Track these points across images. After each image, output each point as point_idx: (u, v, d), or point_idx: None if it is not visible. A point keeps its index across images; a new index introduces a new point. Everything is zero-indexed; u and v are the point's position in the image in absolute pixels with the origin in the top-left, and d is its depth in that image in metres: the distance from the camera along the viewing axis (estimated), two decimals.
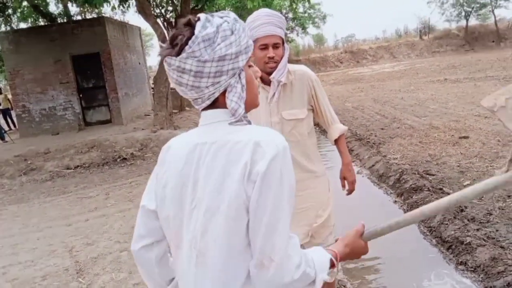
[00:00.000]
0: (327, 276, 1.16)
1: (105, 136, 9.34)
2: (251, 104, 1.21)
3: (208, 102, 1.15)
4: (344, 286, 3.26)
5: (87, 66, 11.74)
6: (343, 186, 2.48)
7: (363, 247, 1.33)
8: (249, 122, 1.16)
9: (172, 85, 1.18)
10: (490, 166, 5.40)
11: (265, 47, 2.20)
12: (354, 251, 1.30)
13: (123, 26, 13.69)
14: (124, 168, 8.13)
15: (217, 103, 1.15)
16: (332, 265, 1.19)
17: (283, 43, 2.26)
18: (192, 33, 1.08)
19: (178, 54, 1.08)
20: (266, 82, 2.31)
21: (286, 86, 2.28)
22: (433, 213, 1.31)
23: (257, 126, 1.15)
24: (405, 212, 4.54)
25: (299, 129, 2.28)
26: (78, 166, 8.49)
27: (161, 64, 9.88)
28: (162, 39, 9.68)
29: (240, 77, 1.14)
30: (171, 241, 1.21)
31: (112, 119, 11.73)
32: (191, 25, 1.09)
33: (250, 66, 1.21)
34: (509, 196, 4.41)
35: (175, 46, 1.09)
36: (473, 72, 16.39)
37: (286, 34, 2.33)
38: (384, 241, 4.06)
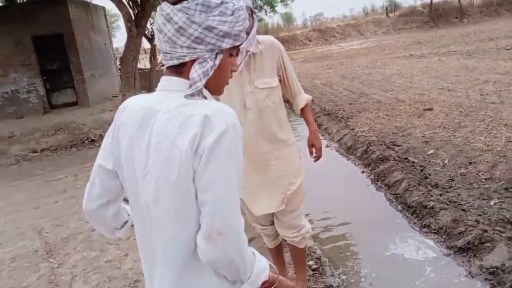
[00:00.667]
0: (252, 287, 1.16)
1: (72, 119, 9.14)
2: (214, 87, 1.21)
3: (175, 62, 1.14)
4: (314, 252, 3.35)
5: (50, 48, 11.35)
6: (311, 153, 2.53)
7: None
8: (205, 98, 1.15)
9: (154, 28, 1.17)
10: (453, 135, 5.60)
11: None
12: None
13: (86, 6, 13.25)
14: (93, 149, 7.99)
15: (182, 70, 1.15)
16: (265, 284, 1.19)
17: (251, 14, 2.25)
18: None
19: (174, 3, 1.09)
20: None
21: (257, 55, 2.26)
22: None
23: (211, 101, 1.15)
24: (372, 182, 4.67)
25: (272, 97, 2.28)
26: (44, 149, 8.30)
27: (127, 44, 9.66)
28: (127, 18, 9.45)
29: (216, 57, 1.14)
30: (131, 200, 1.22)
31: (78, 101, 11.44)
32: None
33: (231, 55, 1.21)
34: (470, 163, 4.60)
35: None
36: (437, 47, 16.72)
37: (253, 6, 2.29)
38: (352, 208, 4.20)
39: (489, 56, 12.06)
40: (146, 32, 13.48)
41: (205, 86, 1.16)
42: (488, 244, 2.94)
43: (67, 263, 3.72)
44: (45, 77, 11.55)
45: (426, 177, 4.37)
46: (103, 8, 15.45)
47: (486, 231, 3.08)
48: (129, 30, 9.41)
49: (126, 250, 3.80)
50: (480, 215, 3.46)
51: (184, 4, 1.08)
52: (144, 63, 18.56)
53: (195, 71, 1.12)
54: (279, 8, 34.30)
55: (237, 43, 1.16)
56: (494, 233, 3.09)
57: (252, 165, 2.29)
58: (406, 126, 6.34)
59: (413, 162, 4.81)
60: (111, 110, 9.89)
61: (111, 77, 14.35)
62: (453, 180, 4.26)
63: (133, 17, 9.72)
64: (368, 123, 6.86)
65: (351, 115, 7.60)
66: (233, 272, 1.10)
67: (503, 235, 3.09)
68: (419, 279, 2.94)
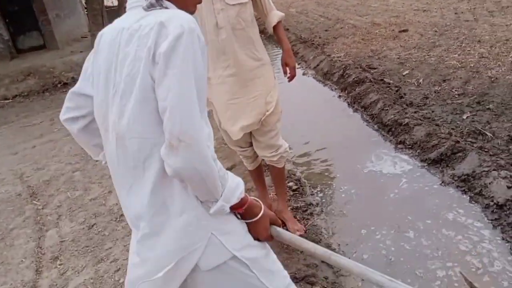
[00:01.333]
0: (226, 204, 1.12)
1: (41, 62, 8.80)
2: (181, 2, 1.19)
3: None
4: (294, 174, 3.43)
5: None
6: (285, 72, 2.51)
7: (266, 228, 1.26)
8: (165, 8, 1.14)
9: None
10: (427, 55, 5.61)
11: None
12: (259, 220, 1.23)
13: None
14: (66, 93, 7.76)
15: None
16: (239, 204, 1.16)
17: None
18: None
19: None
20: None
21: None
22: (323, 258, 1.27)
23: (169, 9, 1.13)
24: (348, 105, 4.72)
25: (243, 15, 2.19)
26: (16, 95, 8.05)
27: None
28: None
29: None
30: (101, 125, 1.22)
31: (46, 44, 10.94)
32: None
33: None
34: (444, 81, 4.65)
35: None
36: None
37: None
38: (330, 131, 4.27)
39: None
40: None
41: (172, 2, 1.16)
42: (460, 154, 3.06)
43: (52, 204, 3.75)
44: (7, 20, 10.95)
45: (401, 97, 4.42)
46: None
47: (458, 142, 3.18)
48: None
49: (110, 188, 3.83)
50: (453, 128, 3.56)
51: None
52: (111, 0, 17.69)
53: None
54: None
55: None
56: (466, 144, 3.20)
57: (240, 82, 2.26)
58: (382, 49, 6.31)
59: (389, 83, 4.84)
60: (81, 51, 9.54)
61: (78, 16, 13.68)
62: (427, 98, 4.32)
63: None
64: (344, 48, 6.79)
65: (327, 41, 7.50)
66: (202, 186, 1.07)
67: (474, 145, 3.21)
68: (394, 191, 3.06)
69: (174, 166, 1.03)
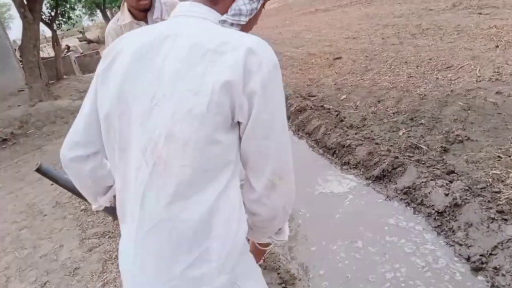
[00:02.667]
0: (275, 239, 1.18)
1: None
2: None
3: None
4: None
5: None
6: None
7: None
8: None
9: None
10: (361, 79, 5.94)
11: None
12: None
13: None
14: (6, 149, 7.50)
15: (214, 2, 1.02)
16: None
17: None
18: None
19: None
20: (139, 18, 2.24)
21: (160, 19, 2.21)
22: None
23: (241, 32, 0.99)
24: (294, 133, 4.88)
25: None
26: None
27: (24, 32, 8.99)
28: (19, 3, 8.76)
29: (260, 0, 1.06)
30: (114, 144, 1.02)
31: None
32: None
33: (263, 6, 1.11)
34: (379, 101, 4.94)
35: None
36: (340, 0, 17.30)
37: None
38: None
39: (387, 2, 12.71)
40: (43, 16, 12.57)
41: None
42: (400, 169, 3.25)
43: None
44: None
45: (341, 120, 4.65)
46: None
47: (397, 157, 3.39)
48: (23, 16, 8.75)
49: (61, 242, 3.70)
50: (391, 145, 3.78)
51: None
52: (47, 51, 17.36)
53: (244, 4, 1.01)
54: None
55: None
56: (404, 158, 3.41)
57: None
58: (319, 77, 6.62)
59: (329, 109, 5.08)
60: (19, 105, 9.26)
61: (12, 70, 13.29)
62: (365, 119, 4.57)
63: (25, 2, 9.02)
64: (284, 79, 6.99)
65: None
66: (280, 222, 1.07)
67: (412, 158, 3.42)
68: (344, 209, 3.20)
69: (274, 204, 1.00)
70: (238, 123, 0.94)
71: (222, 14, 1.02)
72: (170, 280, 0.94)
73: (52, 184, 5.09)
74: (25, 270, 3.41)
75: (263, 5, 1.09)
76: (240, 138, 0.96)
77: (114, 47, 1.04)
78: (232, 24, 1.01)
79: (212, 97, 0.88)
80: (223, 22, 1.01)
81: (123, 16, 2.29)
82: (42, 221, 4.17)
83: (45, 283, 3.15)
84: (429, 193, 2.86)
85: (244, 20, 1.02)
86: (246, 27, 1.07)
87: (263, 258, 1.39)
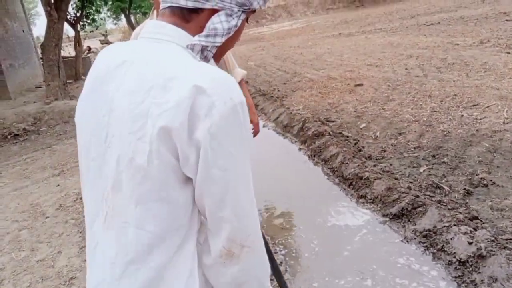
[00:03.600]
0: None
1: None
2: (219, 52, 0.95)
3: (189, 4, 0.85)
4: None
5: None
6: None
7: None
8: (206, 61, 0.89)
9: None
10: (382, 109, 5.80)
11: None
12: None
13: None
14: (17, 145, 7.45)
15: (192, 17, 0.87)
16: None
17: None
18: None
19: None
20: None
21: None
22: None
23: (207, 65, 0.83)
24: (309, 158, 4.74)
25: None
26: None
27: (48, 30, 9.05)
28: (46, 2, 8.83)
29: (241, 16, 0.91)
30: (81, 172, 0.93)
31: None
32: None
33: (246, 20, 0.98)
34: (399, 134, 4.79)
35: None
36: (364, 26, 17.28)
37: None
38: (291, 185, 4.24)
39: (411, 32, 12.63)
40: (68, 17, 12.70)
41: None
42: (420, 209, 3.08)
43: None
44: None
45: (360, 150, 4.49)
46: None
47: (417, 196, 3.22)
48: (49, 15, 8.81)
49: (60, 247, 3.59)
50: (411, 182, 3.61)
51: None
52: (68, 50, 17.55)
53: (220, 23, 0.86)
54: None
55: (260, 6, 0.95)
56: (425, 198, 3.24)
57: None
58: (339, 102, 6.48)
59: (347, 136, 4.93)
60: (34, 102, 9.26)
61: (33, 66, 13.43)
62: (385, 151, 4.41)
63: (52, 1, 9.09)
64: (302, 101, 6.94)
65: (286, 94, 7.66)
66: None
67: (433, 199, 3.25)
68: (358, 246, 3.02)
69: (234, 276, 0.83)
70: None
71: (194, 34, 0.88)
72: None
73: (58, 185, 5.00)
74: (20, 274, 3.29)
75: (245, 20, 0.95)
76: None
77: (93, 65, 0.95)
78: (204, 48, 0.87)
79: (151, 146, 0.75)
80: (192, 46, 0.86)
81: None
82: (43, 224, 4.06)
83: None
84: (451, 239, 2.68)
85: (219, 41, 0.87)
86: (222, 48, 0.94)
87: None
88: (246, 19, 0.96)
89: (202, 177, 0.77)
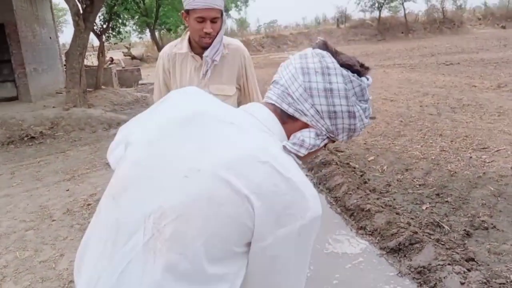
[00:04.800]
0: None
1: (11, 114, 8.69)
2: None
3: (290, 111, 0.98)
4: None
5: None
6: None
7: None
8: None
9: (296, 64, 0.99)
10: (392, 143, 5.85)
11: (202, 20, 2.01)
12: None
13: None
14: (32, 147, 7.65)
15: (287, 120, 0.99)
16: None
17: (221, 15, 2.10)
18: (366, 78, 1.01)
19: (342, 64, 0.97)
20: (196, 51, 2.21)
21: (218, 63, 2.18)
22: None
23: (296, 165, 0.93)
24: (314, 185, 4.80)
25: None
26: None
27: (74, 39, 9.36)
28: (75, 11, 9.16)
29: (325, 139, 1.00)
30: (110, 186, 0.97)
31: (19, 96, 10.89)
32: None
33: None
34: (406, 170, 4.83)
35: (363, 67, 1.01)
36: (383, 60, 17.44)
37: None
38: None
39: (430, 70, 12.73)
40: (95, 27, 13.11)
41: None
42: (417, 245, 3.11)
43: None
44: None
45: (365, 182, 4.54)
46: (49, 0, 14.87)
47: (416, 232, 3.25)
48: (76, 24, 9.13)
49: (62, 250, 3.68)
50: (412, 218, 3.64)
51: (351, 74, 0.96)
52: (91, 59, 18.00)
53: (309, 138, 0.97)
54: (233, 13, 34.60)
55: (343, 140, 1.05)
56: (423, 235, 3.26)
57: None
58: None
59: (354, 168, 4.99)
60: (53, 107, 9.52)
61: (56, 72, 13.81)
62: (390, 185, 4.45)
63: (81, 11, 9.43)
64: None
65: None
66: None
67: (432, 237, 3.28)
68: (353, 277, 3.06)
69: None
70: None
71: (287, 136, 0.99)
72: None
73: (67, 190, 5.13)
74: (22, 273, 3.38)
75: (325, 145, 1.05)
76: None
77: (177, 94, 1.05)
78: (289, 152, 0.95)
79: (242, 203, 0.82)
80: (288, 146, 0.95)
81: (181, 44, 2.28)
82: (49, 226, 4.17)
83: None
84: (444, 277, 2.70)
85: (303, 152, 0.97)
86: (302, 157, 1.01)
87: None
88: (325, 145, 1.05)
89: (275, 258, 0.86)
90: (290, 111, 0.98)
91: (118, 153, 1.05)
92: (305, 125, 0.99)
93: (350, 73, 0.96)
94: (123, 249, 0.85)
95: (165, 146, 0.91)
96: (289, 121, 0.99)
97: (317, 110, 0.96)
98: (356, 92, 0.96)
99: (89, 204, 4.63)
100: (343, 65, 0.97)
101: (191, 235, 0.81)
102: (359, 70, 0.98)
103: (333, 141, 1.05)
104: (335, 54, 0.99)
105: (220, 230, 0.82)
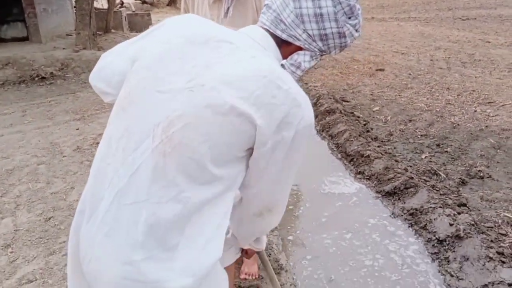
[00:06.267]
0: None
1: (22, 54, 8.71)
2: None
3: (283, 36, 1.04)
4: None
5: None
6: None
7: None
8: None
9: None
10: (399, 95, 5.86)
11: None
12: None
13: None
14: (43, 87, 7.74)
15: (282, 45, 1.06)
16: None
17: None
18: None
19: None
20: None
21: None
22: None
23: (292, 80, 1.00)
24: (317, 132, 4.88)
25: None
26: None
27: None
28: None
29: (319, 58, 1.09)
30: (119, 99, 1.04)
31: (29, 36, 10.84)
32: None
33: None
34: (410, 121, 4.88)
35: None
36: (399, 12, 16.98)
37: None
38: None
39: (445, 25, 12.42)
40: None
41: None
42: (412, 189, 3.22)
43: (11, 193, 3.73)
44: None
45: (367, 131, 4.61)
46: None
47: (412, 178, 3.36)
48: None
49: (73, 184, 3.84)
50: (410, 166, 3.74)
51: None
52: (101, 2, 17.73)
53: (304, 60, 1.05)
54: None
55: (336, 53, 1.12)
56: (419, 181, 3.37)
57: None
58: (357, 84, 6.56)
59: (358, 117, 5.04)
60: (64, 48, 9.51)
61: (66, 13, 13.64)
62: (391, 135, 4.52)
63: None
64: (321, 79, 7.03)
65: (307, 70, 7.73)
66: (257, 237, 1.34)
67: (427, 183, 3.38)
68: (347, 217, 3.21)
69: (258, 229, 1.16)
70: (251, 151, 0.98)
71: (282, 57, 1.07)
72: (127, 264, 0.91)
73: (77, 129, 5.27)
74: (34, 202, 3.56)
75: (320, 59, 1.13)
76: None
77: (169, 21, 1.09)
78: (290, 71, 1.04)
79: (246, 111, 0.90)
80: (285, 65, 1.04)
81: None
82: (60, 161, 4.32)
83: (49, 218, 3.29)
84: (434, 219, 2.83)
85: (299, 74, 1.06)
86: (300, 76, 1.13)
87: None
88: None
89: (273, 158, 0.96)
90: (284, 36, 1.04)
91: (118, 68, 1.10)
92: (299, 48, 1.06)
93: None
94: (133, 154, 0.93)
95: (171, 62, 0.98)
96: (283, 45, 1.06)
97: (309, 34, 1.02)
98: (346, 11, 1.01)
99: (97, 143, 4.76)
100: None
101: (198, 141, 0.90)
102: None
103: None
104: None
105: (224, 136, 0.91)
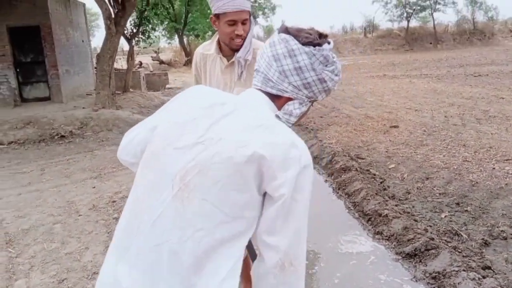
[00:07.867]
0: None
1: (43, 113, 9.03)
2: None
3: (273, 91, 1.19)
4: None
5: (26, 40, 11.20)
6: None
7: None
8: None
9: (269, 55, 1.19)
10: (414, 152, 5.84)
11: (233, 23, 2.08)
12: None
13: (66, 0, 13.17)
14: (62, 145, 7.93)
15: (273, 99, 1.21)
16: None
17: (249, 16, 2.16)
18: (327, 43, 1.18)
19: (304, 44, 1.15)
20: (225, 54, 2.26)
21: (251, 62, 2.21)
22: None
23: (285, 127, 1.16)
24: (333, 190, 4.84)
25: None
26: (12, 142, 8.17)
27: (105, 42, 9.66)
28: (107, 16, 9.46)
29: (308, 104, 1.22)
30: (143, 160, 1.21)
31: (51, 96, 11.29)
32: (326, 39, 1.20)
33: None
34: (427, 178, 4.82)
35: (321, 37, 1.18)
36: (410, 70, 17.31)
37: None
38: (313, 214, 4.34)
39: (457, 81, 12.57)
40: (125, 32, 13.47)
41: None
42: (433, 251, 3.12)
43: (26, 253, 3.71)
44: (18, 70, 11.38)
45: (384, 189, 4.56)
46: (83, 5, 15.38)
47: (432, 239, 3.26)
48: (108, 28, 9.43)
49: (88, 244, 3.82)
50: (430, 226, 3.65)
51: (312, 49, 1.14)
52: (121, 63, 18.46)
53: (295, 109, 1.19)
54: (260, 20, 34.89)
55: (320, 99, 1.25)
56: (440, 242, 3.27)
57: None
58: (372, 141, 6.57)
59: (374, 174, 5.00)
60: (83, 108, 9.83)
61: (87, 74, 14.23)
62: (409, 193, 4.46)
63: (113, 16, 9.74)
64: (336, 136, 7.07)
65: (321, 127, 7.81)
66: None
67: (449, 244, 3.28)
68: (367, 280, 3.09)
69: (279, 285, 1.10)
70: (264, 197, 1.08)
71: (277, 109, 1.22)
72: None
73: (94, 187, 5.31)
74: (49, 263, 3.53)
75: (311, 105, 1.26)
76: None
77: (183, 93, 1.26)
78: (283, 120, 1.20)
79: (253, 156, 1.03)
80: (276, 116, 1.19)
81: (210, 46, 2.34)
82: (76, 221, 4.33)
83: (63, 280, 3.24)
84: (458, 283, 2.72)
85: (293, 120, 1.21)
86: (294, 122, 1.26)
87: None
88: (311, 105, 1.28)
89: (283, 200, 1.04)
90: (274, 92, 1.20)
91: (140, 139, 1.28)
92: (289, 99, 1.21)
93: (312, 48, 1.14)
94: (156, 203, 1.09)
95: (184, 125, 1.14)
96: (275, 99, 1.21)
97: (294, 86, 1.17)
98: (321, 61, 1.15)
99: (114, 201, 4.79)
100: (305, 43, 1.15)
101: (209, 184, 1.04)
102: (319, 42, 1.16)
103: (316, 101, 1.27)
104: (296, 36, 1.16)
105: (231, 177, 1.04)
